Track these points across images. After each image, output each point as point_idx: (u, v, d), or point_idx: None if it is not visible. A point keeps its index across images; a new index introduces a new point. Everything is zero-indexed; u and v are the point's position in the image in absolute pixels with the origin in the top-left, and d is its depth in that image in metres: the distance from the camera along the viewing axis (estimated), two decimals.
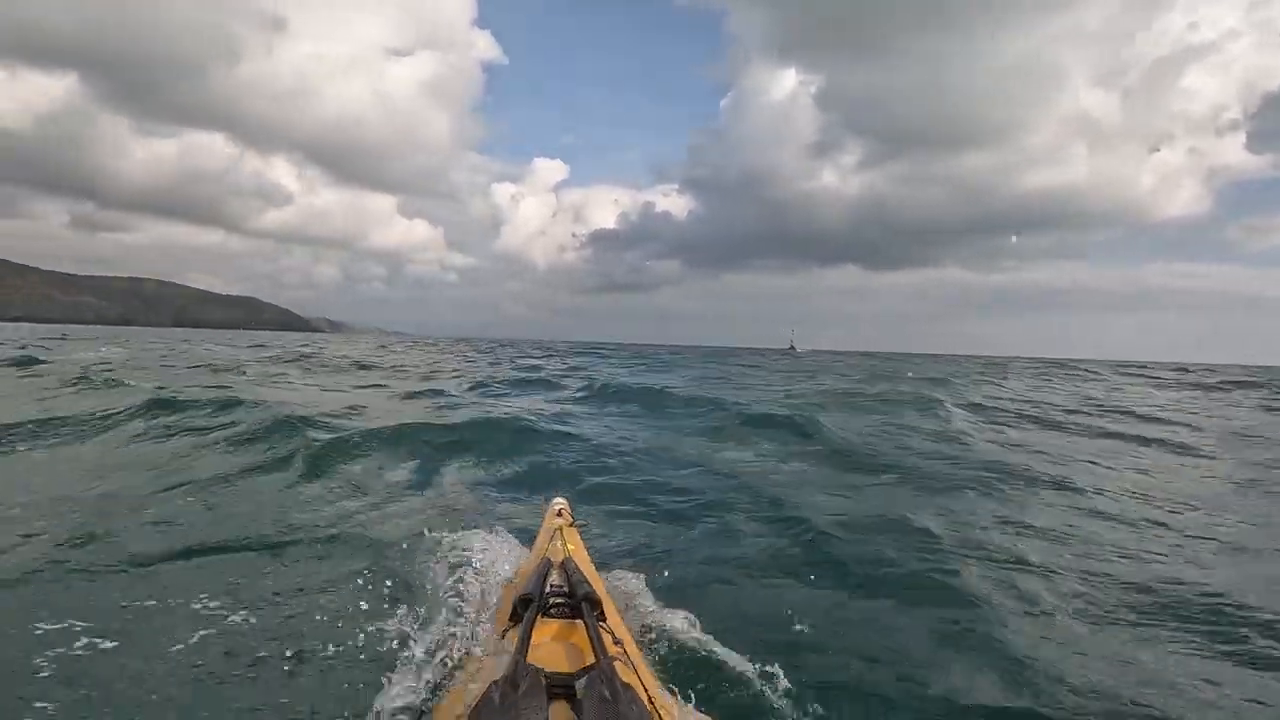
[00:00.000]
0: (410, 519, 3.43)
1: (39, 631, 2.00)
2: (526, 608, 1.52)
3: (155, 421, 5.86)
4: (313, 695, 1.82)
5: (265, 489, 3.96)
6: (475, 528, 3.01)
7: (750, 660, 1.90)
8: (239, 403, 6.57)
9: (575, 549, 2.21)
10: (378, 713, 1.50)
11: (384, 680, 1.64)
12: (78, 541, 2.84)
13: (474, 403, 8.66)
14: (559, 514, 2.57)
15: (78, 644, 1.96)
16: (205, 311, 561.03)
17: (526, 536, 2.75)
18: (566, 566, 1.83)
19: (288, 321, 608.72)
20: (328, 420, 5.93)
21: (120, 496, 3.66)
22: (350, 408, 7.37)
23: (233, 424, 5.67)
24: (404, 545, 2.87)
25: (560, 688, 1.17)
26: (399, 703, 1.56)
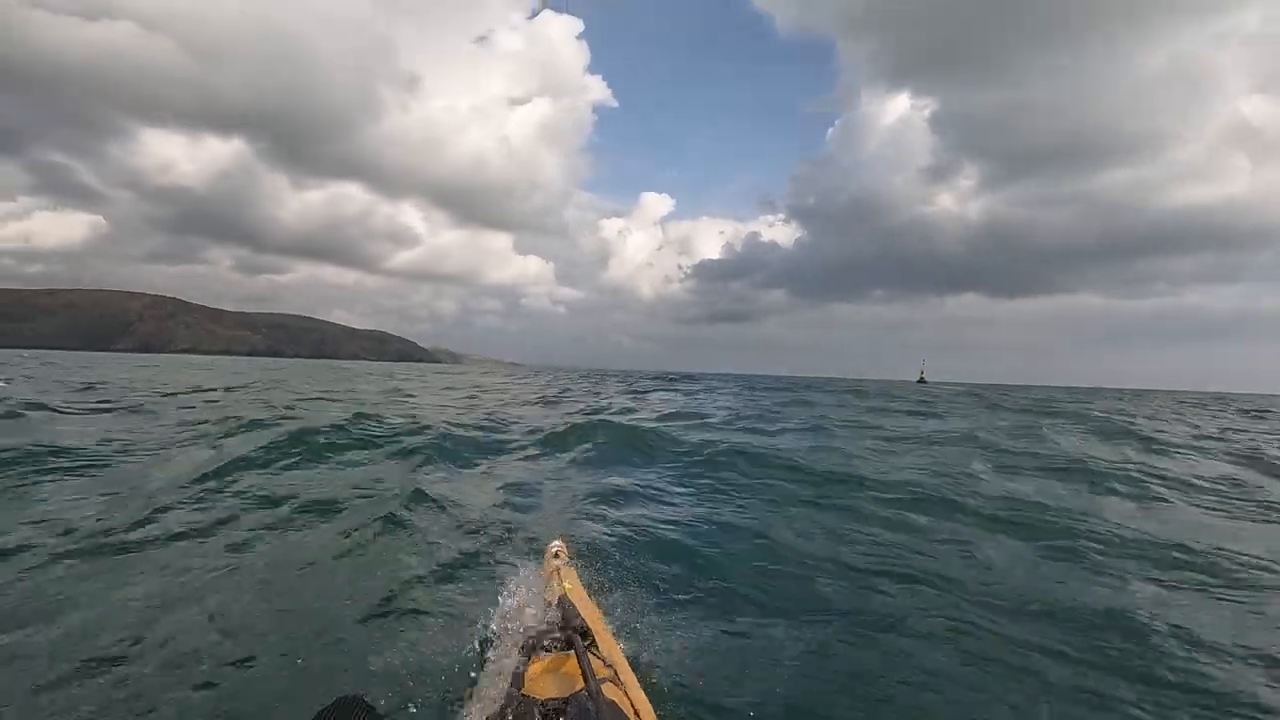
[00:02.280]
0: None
1: None
2: (523, 645, 1.69)
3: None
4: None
5: None
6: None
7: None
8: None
9: (572, 586, 2.35)
10: None
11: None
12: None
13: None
14: (556, 554, 2.76)
15: None
16: (340, 344, 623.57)
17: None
18: (562, 603, 1.96)
19: (410, 353, 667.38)
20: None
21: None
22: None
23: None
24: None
25: (552, 713, 1.30)
26: None
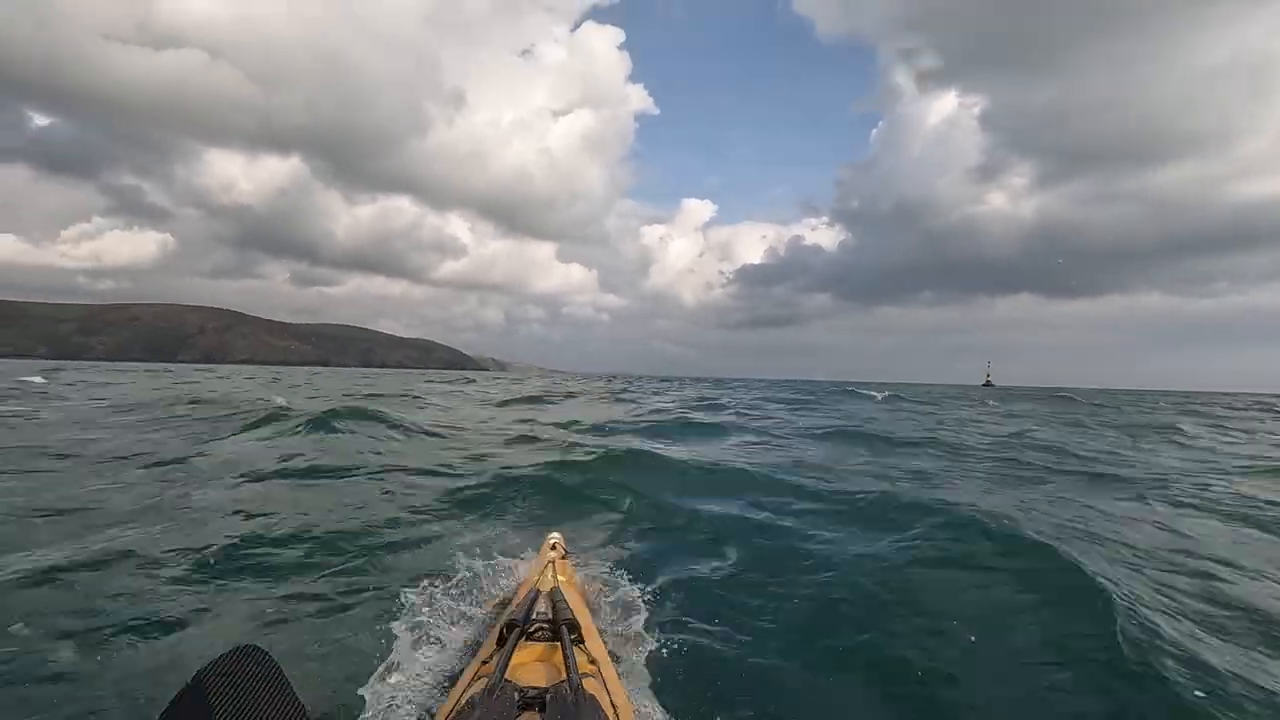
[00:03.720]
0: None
1: None
2: (511, 633, 1.70)
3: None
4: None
5: None
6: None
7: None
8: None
9: (565, 580, 2.47)
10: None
11: (370, 695, 1.94)
12: None
13: None
14: (553, 547, 2.84)
15: None
16: (387, 353, 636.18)
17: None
18: (554, 595, 2.02)
19: (456, 361, 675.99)
20: None
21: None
22: None
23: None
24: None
25: (531, 701, 1.34)
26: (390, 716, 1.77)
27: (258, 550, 3.52)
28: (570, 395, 22.86)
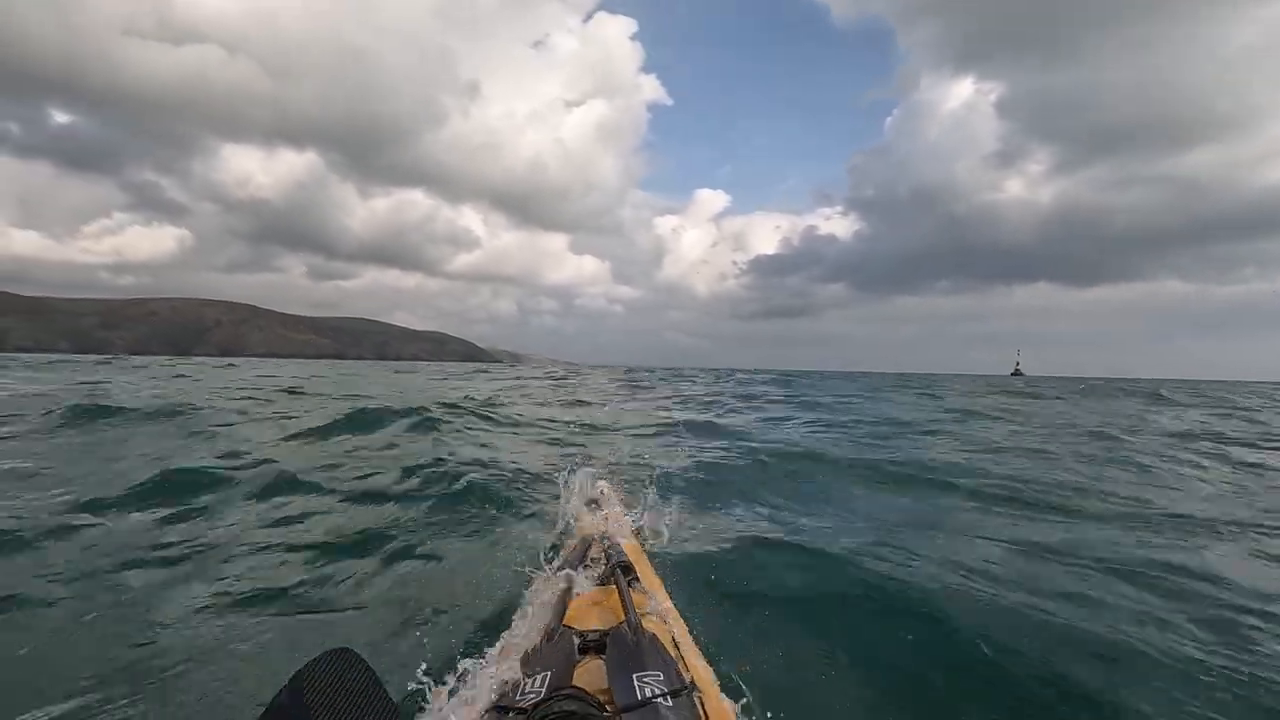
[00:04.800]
0: None
1: None
2: (567, 579, 1.79)
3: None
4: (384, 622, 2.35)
5: None
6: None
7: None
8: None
9: (616, 524, 2.58)
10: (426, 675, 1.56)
11: (429, 645, 2.12)
12: None
13: None
14: (601, 493, 3.00)
15: None
16: (401, 345, 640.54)
17: None
18: (605, 540, 2.14)
19: (470, 353, 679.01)
20: None
21: None
22: None
23: None
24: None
25: (591, 643, 1.37)
26: (449, 663, 1.68)
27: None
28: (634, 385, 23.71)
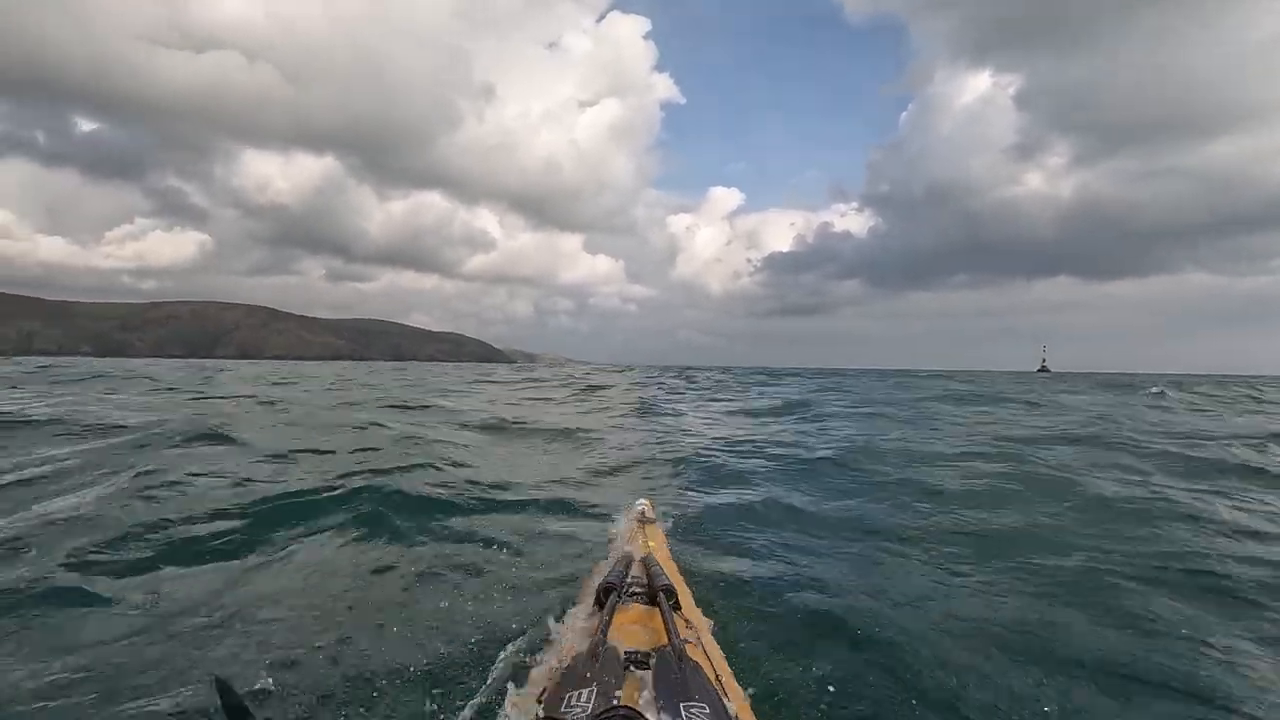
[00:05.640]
0: None
1: None
2: (609, 596, 1.75)
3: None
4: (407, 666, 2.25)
5: None
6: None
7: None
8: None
9: (656, 545, 2.55)
10: (472, 687, 1.80)
11: (475, 658, 2.17)
12: None
13: None
14: (642, 513, 2.92)
15: None
16: (418, 347, 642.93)
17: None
18: (647, 561, 2.08)
19: (486, 354, 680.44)
20: None
21: None
22: None
23: None
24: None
25: (635, 663, 1.37)
26: (491, 677, 1.97)
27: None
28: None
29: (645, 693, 1.23)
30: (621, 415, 12.96)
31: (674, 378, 32.49)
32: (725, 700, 1.23)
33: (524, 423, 10.29)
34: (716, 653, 1.71)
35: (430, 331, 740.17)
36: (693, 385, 25.93)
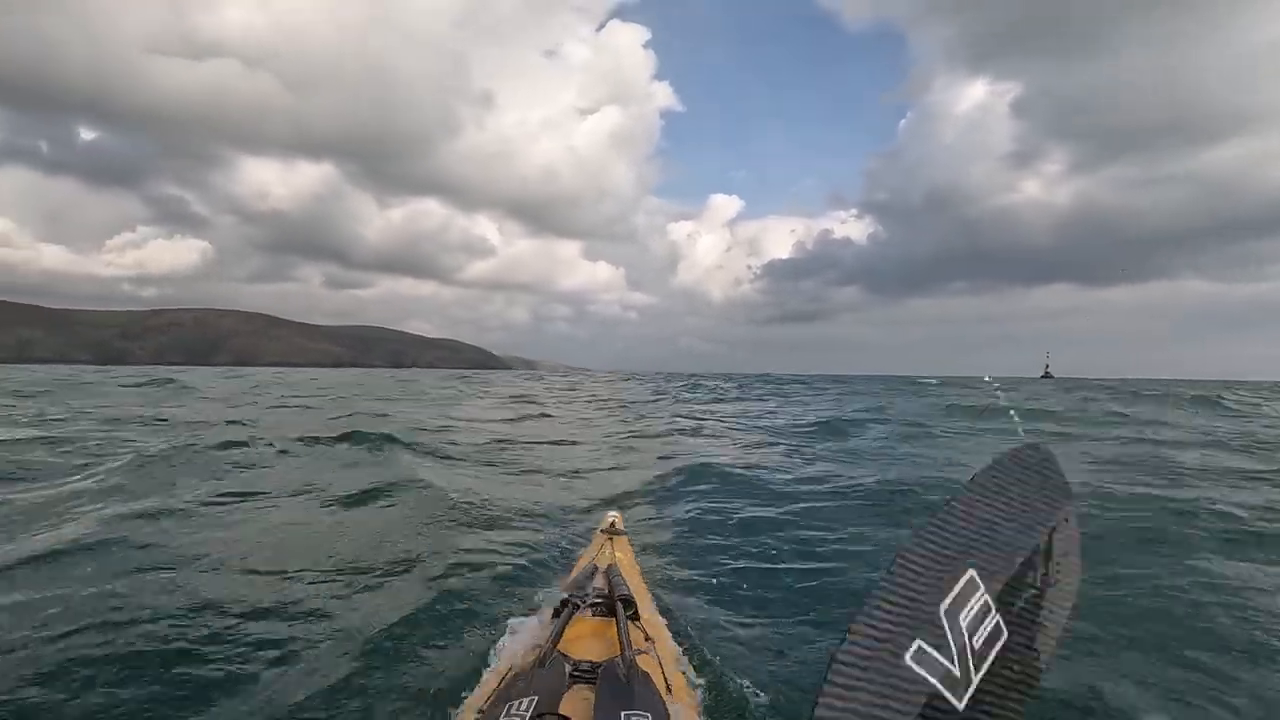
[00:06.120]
0: None
1: None
2: (566, 606, 1.73)
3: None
4: (366, 675, 2.11)
5: None
6: None
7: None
8: None
9: (623, 557, 2.52)
10: (421, 691, 1.75)
11: (427, 665, 2.08)
12: None
13: None
14: (611, 525, 2.89)
15: None
16: (416, 353, 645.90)
17: None
18: (609, 572, 2.07)
19: (484, 361, 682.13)
20: None
21: None
22: None
23: None
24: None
25: (583, 674, 1.37)
26: (439, 683, 1.91)
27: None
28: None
29: (587, 703, 1.25)
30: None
31: (686, 389, 27.14)
32: (669, 708, 1.26)
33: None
34: (671, 661, 1.70)
35: (428, 338, 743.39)
36: (721, 397, 21.77)
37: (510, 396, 20.95)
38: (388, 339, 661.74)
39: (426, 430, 9.18)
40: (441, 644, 2.36)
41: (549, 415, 13.78)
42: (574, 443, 8.95)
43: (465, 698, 1.60)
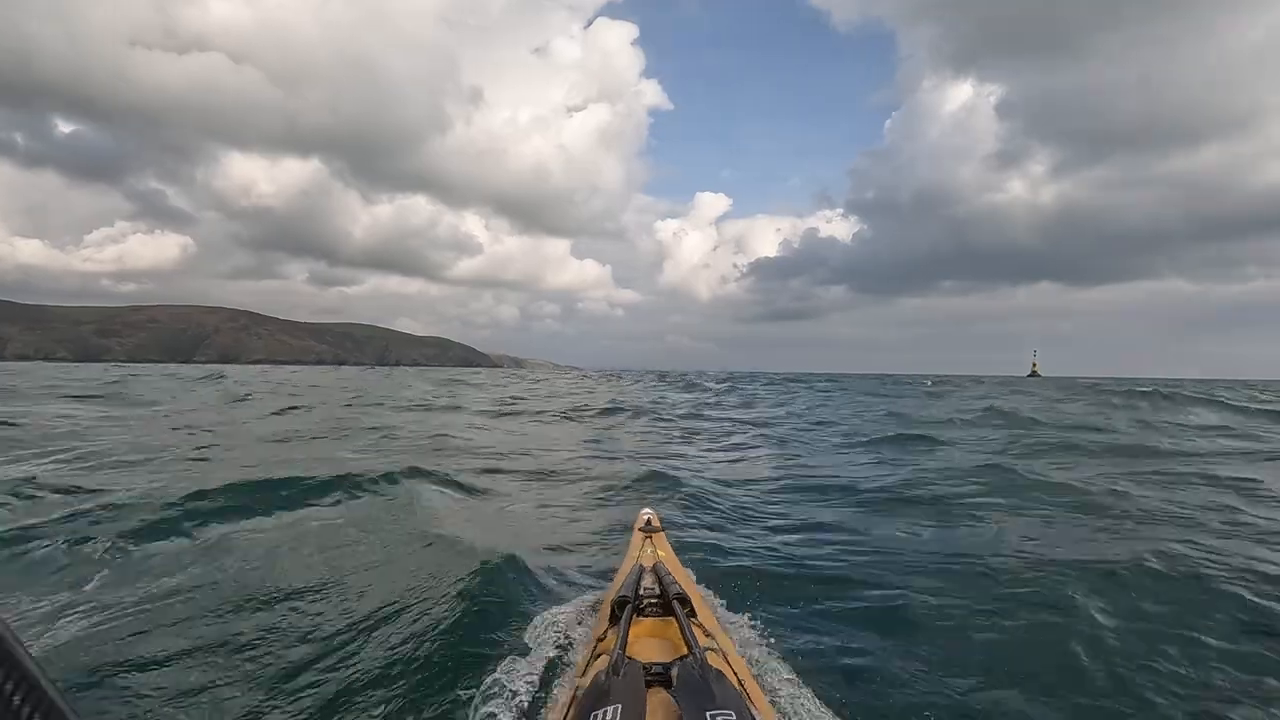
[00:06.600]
0: None
1: None
2: (623, 609, 1.74)
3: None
4: (418, 691, 2.08)
5: None
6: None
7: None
8: None
9: (665, 554, 2.53)
10: (488, 712, 1.68)
11: (493, 679, 1.97)
12: None
13: None
14: (648, 522, 2.89)
15: None
16: (403, 351, 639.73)
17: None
18: (658, 570, 2.09)
19: (472, 358, 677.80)
20: None
21: None
22: None
23: None
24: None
25: (657, 676, 1.36)
26: (511, 697, 1.82)
27: None
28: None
29: (669, 706, 1.24)
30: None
31: (685, 392, 26.98)
32: (751, 706, 1.24)
33: None
34: (736, 657, 1.70)
35: (416, 336, 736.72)
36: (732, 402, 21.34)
37: (536, 412, 16.59)
38: (375, 337, 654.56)
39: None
40: (492, 648, 2.30)
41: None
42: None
43: (543, 712, 1.60)
